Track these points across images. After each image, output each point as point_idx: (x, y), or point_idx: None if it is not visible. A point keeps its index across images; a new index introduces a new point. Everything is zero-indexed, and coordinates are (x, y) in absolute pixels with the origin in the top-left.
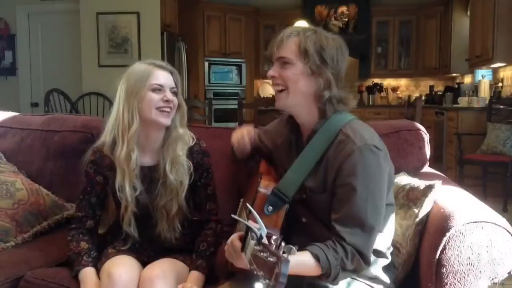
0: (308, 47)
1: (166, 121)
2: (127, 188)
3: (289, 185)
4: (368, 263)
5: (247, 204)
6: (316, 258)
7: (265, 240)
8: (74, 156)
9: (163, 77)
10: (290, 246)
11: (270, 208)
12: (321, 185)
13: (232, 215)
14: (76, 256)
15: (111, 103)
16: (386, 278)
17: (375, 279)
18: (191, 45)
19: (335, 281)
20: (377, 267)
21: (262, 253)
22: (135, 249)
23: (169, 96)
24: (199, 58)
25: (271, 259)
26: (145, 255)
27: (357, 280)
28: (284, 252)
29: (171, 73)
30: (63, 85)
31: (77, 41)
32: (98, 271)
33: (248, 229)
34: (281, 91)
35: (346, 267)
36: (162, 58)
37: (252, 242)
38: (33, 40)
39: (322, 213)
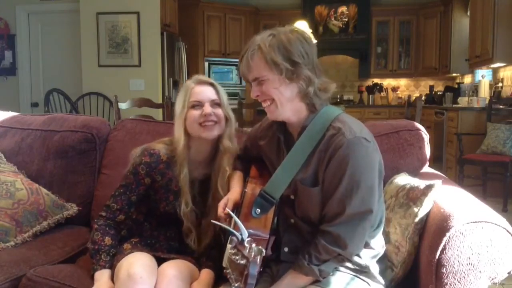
0: (275, 58)
1: (208, 135)
2: (183, 204)
3: (276, 185)
4: (348, 250)
5: (227, 210)
6: (296, 269)
7: (247, 244)
8: (74, 156)
9: (201, 91)
10: (260, 248)
11: (258, 210)
12: (313, 178)
13: (212, 220)
14: (95, 253)
15: (111, 103)
16: (375, 269)
17: (366, 273)
18: (191, 45)
19: (321, 275)
20: (365, 258)
21: (235, 257)
22: (151, 245)
23: (207, 109)
24: (199, 58)
25: (242, 262)
26: (159, 251)
27: (358, 277)
28: (255, 255)
29: (212, 85)
30: (63, 85)
31: (77, 41)
32: (112, 267)
33: (230, 233)
34: (269, 104)
35: (323, 259)
36: (162, 58)
37: (228, 246)
38: (33, 40)
39: (311, 207)
